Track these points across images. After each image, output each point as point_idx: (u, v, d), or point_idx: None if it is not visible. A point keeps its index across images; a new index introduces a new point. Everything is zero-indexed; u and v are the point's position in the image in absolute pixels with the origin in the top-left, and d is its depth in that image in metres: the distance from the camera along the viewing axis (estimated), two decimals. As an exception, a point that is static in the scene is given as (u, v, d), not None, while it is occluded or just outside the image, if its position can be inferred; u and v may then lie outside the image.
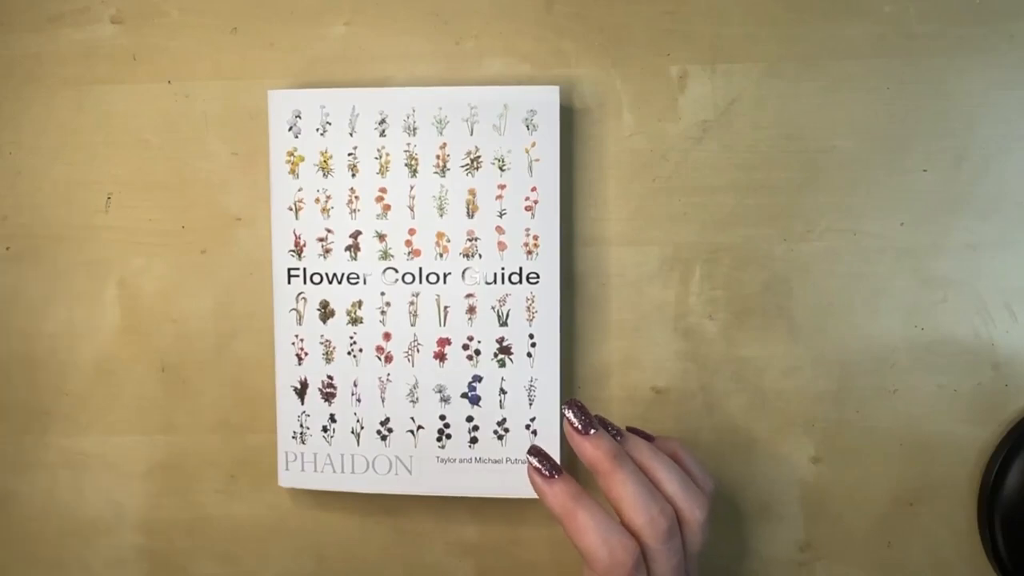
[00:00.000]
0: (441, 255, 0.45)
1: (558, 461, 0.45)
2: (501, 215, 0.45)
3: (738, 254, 0.48)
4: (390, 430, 0.46)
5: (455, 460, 0.46)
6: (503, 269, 0.45)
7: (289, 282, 0.46)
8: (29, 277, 0.49)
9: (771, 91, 0.47)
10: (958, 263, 0.47)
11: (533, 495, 0.46)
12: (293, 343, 0.46)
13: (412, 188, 0.46)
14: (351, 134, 0.45)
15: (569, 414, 0.39)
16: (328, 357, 0.46)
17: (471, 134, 0.45)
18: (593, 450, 0.38)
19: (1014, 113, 0.46)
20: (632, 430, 0.42)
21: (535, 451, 0.39)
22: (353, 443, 0.46)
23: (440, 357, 0.46)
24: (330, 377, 0.46)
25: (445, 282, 0.45)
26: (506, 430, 0.46)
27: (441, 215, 0.45)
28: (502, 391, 0.46)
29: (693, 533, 0.39)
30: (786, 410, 0.48)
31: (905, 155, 0.47)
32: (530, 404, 0.46)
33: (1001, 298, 0.47)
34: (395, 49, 0.48)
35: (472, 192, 0.45)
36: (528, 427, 0.46)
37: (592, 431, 0.39)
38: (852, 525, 0.48)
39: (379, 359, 0.46)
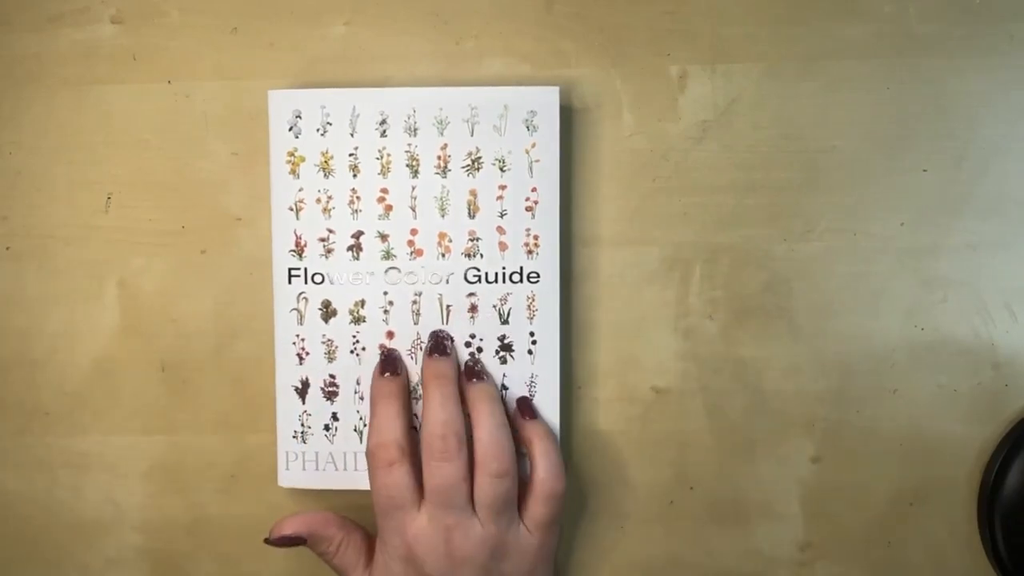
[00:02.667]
0: (443, 255, 0.45)
1: (559, 452, 0.46)
2: (502, 215, 0.45)
3: (738, 254, 0.48)
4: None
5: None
6: (504, 268, 0.45)
7: (290, 282, 0.46)
8: (29, 277, 0.49)
9: (771, 91, 0.47)
10: (958, 263, 0.47)
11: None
12: (294, 343, 0.46)
13: (414, 188, 0.46)
14: (352, 134, 0.45)
15: (430, 337, 0.46)
16: (330, 356, 0.46)
17: (472, 135, 0.45)
18: (434, 364, 0.44)
19: (1014, 113, 0.47)
20: (523, 401, 0.46)
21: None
22: (355, 441, 0.46)
23: (442, 356, 0.46)
24: (332, 376, 0.46)
25: (447, 281, 0.45)
26: (507, 427, 0.46)
27: (443, 215, 0.45)
28: (504, 387, 0.46)
29: (483, 482, 0.42)
30: (786, 410, 0.48)
31: (905, 155, 0.47)
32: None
33: (1001, 298, 0.47)
34: (395, 49, 0.48)
35: (473, 192, 0.45)
36: (529, 426, 0.46)
37: (438, 355, 0.45)
38: (852, 525, 0.48)
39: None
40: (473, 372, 0.45)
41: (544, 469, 0.43)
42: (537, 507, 0.43)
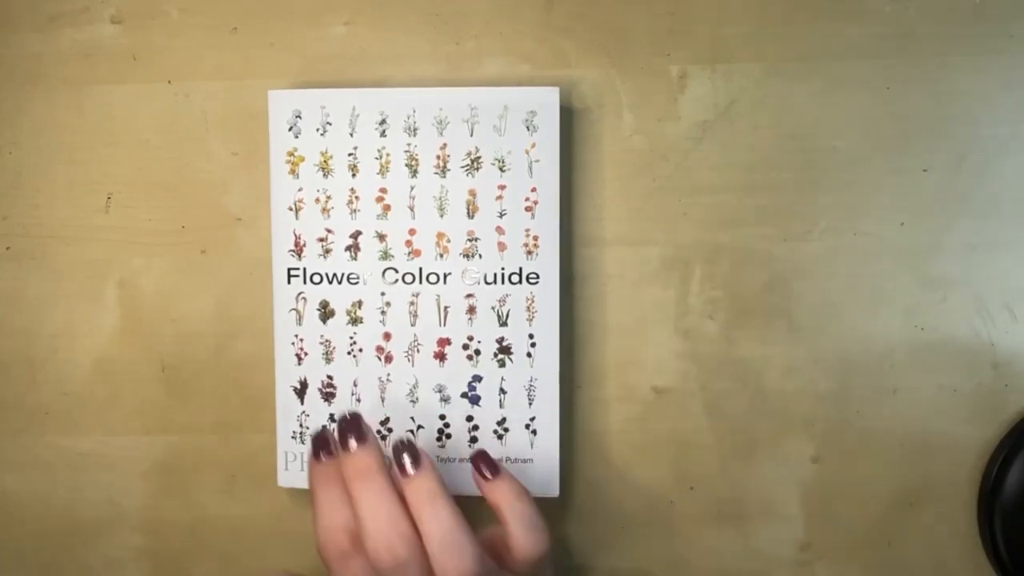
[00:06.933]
0: (441, 255, 0.45)
1: (557, 457, 0.46)
2: (501, 215, 0.45)
3: (738, 254, 0.48)
4: (390, 430, 0.46)
5: (455, 460, 0.46)
6: (503, 269, 0.45)
7: (289, 282, 0.46)
8: (29, 277, 0.49)
9: (771, 91, 0.47)
10: (958, 263, 0.47)
11: (534, 495, 0.46)
12: (293, 343, 0.46)
13: (412, 188, 0.46)
14: (351, 134, 0.45)
15: (338, 425, 0.40)
16: (328, 357, 0.46)
17: (471, 135, 0.45)
18: (350, 460, 0.39)
19: (1014, 113, 0.47)
20: (479, 457, 0.42)
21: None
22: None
23: (440, 357, 0.46)
24: (330, 377, 0.46)
25: (445, 282, 0.45)
26: (506, 430, 0.46)
27: (441, 215, 0.45)
28: (502, 391, 0.46)
29: None
30: (786, 410, 0.48)
31: (905, 155, 0.47)
32: (529, 404, 0.46)
33: (1001, 298, 0.47)
34: (395, 49, 0.48)
35: (472, 192, 0.45)
36: (528, 427, 0.46)
37: (358, 443, 0.39)
38: (852, 525, 0.48)
39: (379, 359, 0.46)
40: (403, 462, 0.39)
41: (521, 535, 0.39)
42: (521, 565, 0.40)
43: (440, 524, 0.37)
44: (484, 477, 0.41)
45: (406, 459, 0.39)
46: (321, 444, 0.40)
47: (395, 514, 0.38)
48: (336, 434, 0.40)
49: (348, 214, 0.46)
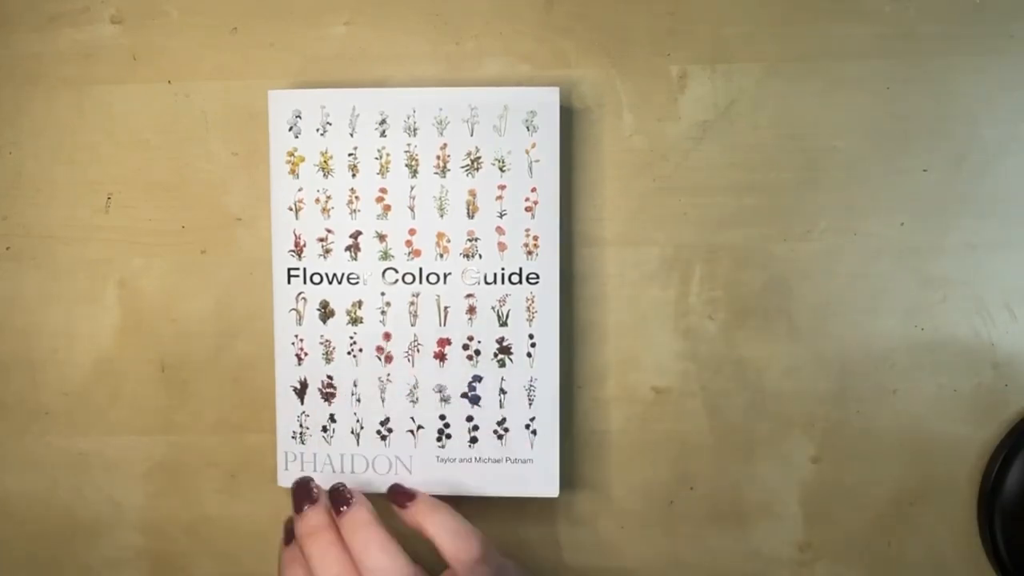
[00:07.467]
0: (441, 255, 0.45)
1: (557, 457, 0.46)
2: (501, 215, 0.45)
3: (738, 254, 0.48)
4: (390, 430, 0.46)
5: (455, 460, 0.46)
6: (503, 269, 0.45)
7: (289, 282, 0.46)
8: (29, 277, 0.49)
9: (771, 91, 0.47)
10: (958, 263, 0.47)
11: (534, 495, 0.46)
12: (293, 343, 0.46)
13: (412, 188, 0.46)
14: (351, 134, 0.45)
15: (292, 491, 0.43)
16: (328, 357, 0.46)
17: (471, 135, 0.45)
18: (301, 521, 0.42)
19: (1014, 113, 0.47)
20: (393, 488, 0.44)
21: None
22: (353, 443, 0.46)
23: (440, 357, 0.46)
24: (330, 377, 0.46)
25: (445, 282, 0.45)
26: (506, 430, 0.46)
27: (441, 215, 0.45)
28: (502, 391, 0.46)
29: None
30: (786, 410, 0.48)
31: (905, 155, 0.47)
32: (530, 404, 0.46)
33: (1001, 298, 0.47)
34: (395, 49, 0.48)
35: (472, 193, 0.45)
36: (528, 427, 0.46)
37: (307, 506, 0.42)
38: (852, 525, 0.48)
39: (379, 359, 0.46)
40: (337, 501, 0.42)
41: (448, 543, 0.41)
42: (464, 572, 0.41)
43: (367, 549, 0.40)
44: (403, 506, 0.43)
45: (338, 500, 0.42)
46: (304, 495, 0.43)
47: (343, 562, 0.40)
48: (294, 500, 0.43)
49: (348, 214, 0.46)
